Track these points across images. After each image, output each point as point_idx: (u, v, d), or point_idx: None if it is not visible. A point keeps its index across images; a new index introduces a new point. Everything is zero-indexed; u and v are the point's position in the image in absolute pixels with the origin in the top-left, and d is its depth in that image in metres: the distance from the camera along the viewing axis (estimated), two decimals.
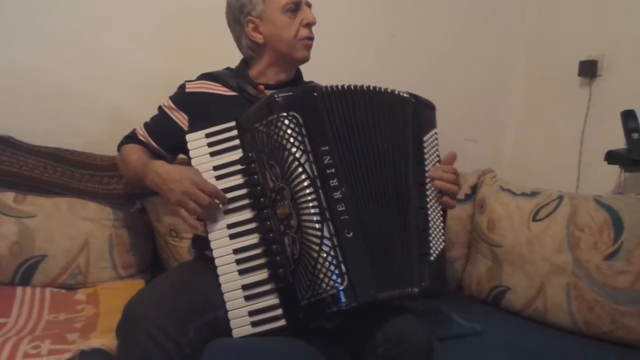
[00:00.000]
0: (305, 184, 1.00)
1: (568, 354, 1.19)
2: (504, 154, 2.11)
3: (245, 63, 1.31)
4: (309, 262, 0.98)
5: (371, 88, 1.12)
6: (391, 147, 1.09)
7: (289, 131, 1.01)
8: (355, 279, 0.97)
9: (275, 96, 1.04)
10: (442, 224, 1.12)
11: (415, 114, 1.14)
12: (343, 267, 0.97)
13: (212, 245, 1.05)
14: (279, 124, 1.02)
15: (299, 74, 1.34)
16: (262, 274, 1.03)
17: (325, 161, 1.02)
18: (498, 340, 1.20)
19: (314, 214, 0.99)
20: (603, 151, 1.50)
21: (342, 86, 1.10)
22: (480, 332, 1.22)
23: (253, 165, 1.05)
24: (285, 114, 1.02)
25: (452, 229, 1.55)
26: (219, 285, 1.03)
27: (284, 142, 1.01)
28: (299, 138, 1.01)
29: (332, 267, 0.97)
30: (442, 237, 1.10)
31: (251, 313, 1.01)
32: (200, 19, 1.68)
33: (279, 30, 1.23)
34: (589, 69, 1.70)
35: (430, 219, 1.09)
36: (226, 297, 1.02)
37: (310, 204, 0.99)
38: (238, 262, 1.03)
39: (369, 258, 1.00)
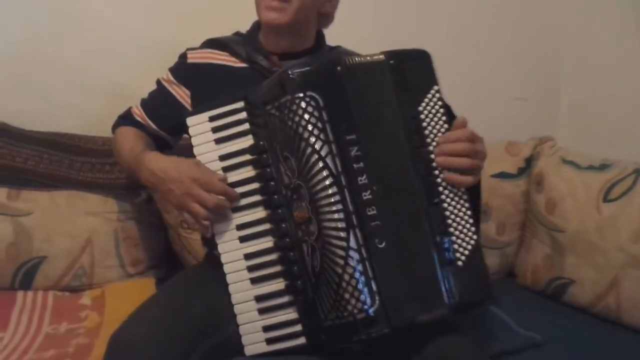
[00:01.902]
0: (327, 182, 0.81)
1: None
2: (560, 113, 1.82)
3: (259, 27, 1.09)
4: (332, 277, 0.81)
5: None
6: (391, 132, 0.87)
7: (307, 116, 0.82)
8: (388, 299, 0.80)
9: (290, 72, 0.84)
10: (468, 212, 0.87)
11: (399, 79, 0.88)
12: (374, 285, 0.80)
13: (220, 249, 0.89)
14: (294, 107, 0.82)
15: (319, 39, 1.11)
16: (278, 284, 0.87)
17: (352, 153, 0.82)
18: (561, 352, 1.01)
19: (338, 219, 0.81)
20: None
21: (371, 57, 0.88)
22: (540, 343, 1.03)
23: (265, 156, 0.87)
24: (301, 94, 0.82)
25: (502, 209, 1.35)
26: (228, 295, 0.88)
27: (300, 129, 0.82)
28: (319, 125, 0.81)
29: (359, 285, 0.80)
30: (472, 230, 0.87)
31: (266, 329, 0.87)
32: None
33: None
34: None
35: (449, 213, 0.86)
36: (237, 309, 0.88)
37: (333, 208, 0.81)
38: (250, 269, 0.88)
39: (404, 273, 0.82)
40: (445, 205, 0.86)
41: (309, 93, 0.82)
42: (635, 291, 1.10)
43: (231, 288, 0.88)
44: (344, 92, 0.84)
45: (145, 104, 1.12)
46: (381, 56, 0.89)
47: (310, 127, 0.82)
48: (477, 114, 1.73)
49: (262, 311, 0.87)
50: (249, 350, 0.87)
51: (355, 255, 0.80)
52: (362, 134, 0.84)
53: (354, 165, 0.82)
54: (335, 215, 0.81)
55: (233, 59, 1.07)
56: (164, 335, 0.82)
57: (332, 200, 0.81)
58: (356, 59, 0.88)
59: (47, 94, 1.42)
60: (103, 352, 0.85)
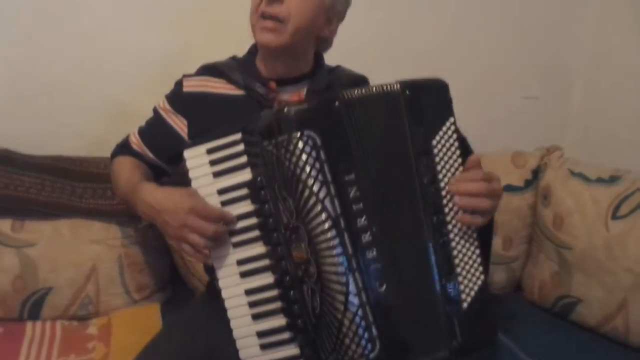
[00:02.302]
0: (326, 226, 0.79)
1: None
2: (571, 113, 1.77)
3: (255, 51, 1.07)
4: (332, 321, 0.80)
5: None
6: (397, 169, 0.85)
7: (304, 157, 0.80)
8: (389, 344, 0.79)
9: (286, 109, 0.82)
10: (476, 251, 0.85)
11: (414, 111, 0.85)
12: (374, 330, 0.79)
13: (221, 284, 0.88)
14: (291, 147, 0.80)
15: (318, 61, 1.08)
16: (280, 320, 0.86)
17: (351, 194, 0.80)
18: None
19: (337, 263, 0.80)
20: None
21: (365, 90, 0.85)
22: None
23: (263, 193, 0.85)
24: (298, 133, 0.80)
25: (509, 224, 1.32)
26: (230, 331, 0.87)
27: (298, 171, 0.80)
28: (317, 165, 0.80)
29: (360, 331, 0.79)
30: (480, 269, 0.85)
31: None
32: None
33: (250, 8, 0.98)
34: None
35: (458, 253, 0.84)
36: (239, 344, 0.87)
37: (333, 252, 0.79)
38: (251, 305, 0.86)
39: (406, 315, 0.81)
40: (453, 244, 0.84)
41: (306, 132, 0.80)
42: None
43: (233, 323, 0.87)
44: (342, 129, 0.82)
45: (142, 132, 1.11)
46: (397, 86, 0.85)
47: (307, 169, 0.80)
48: (484, 113, 1.74)
49: (264, 347, 0.86)
50: None
51: (355, 300, 0.79)
52: (363, 172, 0.81)
53: (353, 207, 0.80)
54: (335, 260, 0.79)
55: (230, 86, 1.05)
56: None
57: (331, 244, 0.79)
58: (356, 92, 0.84)
59: (48, 115, 1.41)
60: None
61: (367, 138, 0.84)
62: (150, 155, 1.08)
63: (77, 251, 1.21)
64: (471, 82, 1.71)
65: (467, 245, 0.85)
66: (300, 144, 0.80)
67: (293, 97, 1.04)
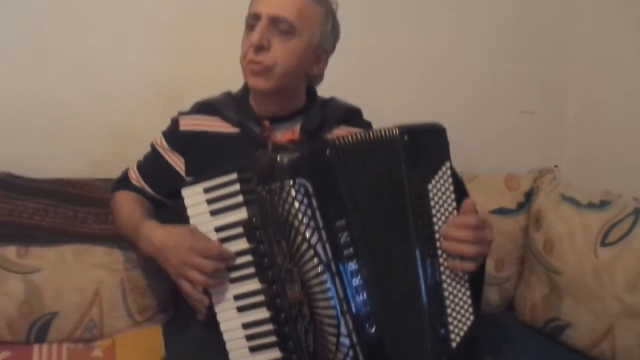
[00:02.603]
0: (318, 270, 0.83)
1: None
2: (567, 128, 1.79)
3: (249, 89, 1.09)
4: (325, 359, 0.85)
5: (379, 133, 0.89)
6: (393, 211, 0.89)
7: (296, 204, 0.83)
8: None
9: (278, 157, 0.85)
10: (467, 292, 0.90)
11: (411, 155, 0.89)
12: None
13: (219, 317, 0.93)
14: (284, 194, 0.84)
15: (310, 96, 1.12)
16: (276, 354, 0.90)
17: (342, 240, 0.84)
18: None
19: (329, 307, 0.83)
20: None
21: (358, 136, 0.88)
22: None
23: (258, 233, 0.89)
24: (290, 181, 0.83)
25: (501, 247, 1.35)
26: None
27: (291, 217, 0.84)
28: (308, 213, 0.83)
29: None
30: (470, 310, 0.89)
31: None
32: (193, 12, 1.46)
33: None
34: None
35: (447, 294, 0.88)
36: None
37: (325, 295, 0.84)
38: (248, 338, 0.91)
39: (394, 355, 0.85)
40: (445, 286, 0.88)
41: (297, 180, 0.84)
42: (630, 340, 1.11)
43: (231, 355, 0.92)
44: (333, 176, 0.85)
45: (141, 168, 1.14)
46: (395, 132, 0.89)
47: (300, 216, 0.83)
48: (481, 127, 1.76)
49: None
50: None
51: (346, 340, 0.84)
52: (354, 217, 0.85)
53: (344, 252, 0.84)
54: (327, 303, 0.84)
55: (224, 124, 1.09)
56: None
57: (323, 288, 0.83)
58: (350, 138, 0.88)
59: (49, 138, 1.46)
60: None
61: (361, 183, 0.87)
62: (150, 190, 1.12)
63: (80, 276, 1.24)
64: (468, 96, 1.75)
65: (459, 287, 0.89)
66: (293, 192, 0.83)
67: (286, 134, 1.07)
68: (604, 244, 1.17)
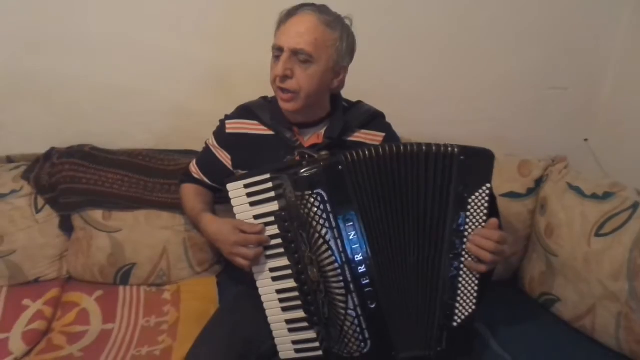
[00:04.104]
0: (330, 260, 1.07)
1: None
2: (599, 104, 1.83)
3: None
4: (337, 324, 1.10)
5: (401, 148, 1.07)
6: (424, 214, 1.08)
7: (315, 209, 1.05)
8: (376, 344, 1.09)
9: (300, 173, 1.06)
10: (475, 288, 1.10)
11: (463, 172, 1.06)
12: (366, 334, 1.08)
13: (258, 284, 1.18)
14: (304, 201, 1.06)
15: (335, 102, 1.29)
16: (302, 313, 1.16)
17: (351, 237, 1.06)
18: None
19: (339, 287, 1.07)
20: None
21: (369, 152, 1.07)
22: None
23: (287, 224, 1.12)
24: (309, 192, 1.05)
25: (510, 226, 1.50)
26: (266, 318, 1.18)
27: (310, 219, 1.06)
28: (324, 215, 1.05)
29: (356, 334, 1.09)
30: (474, 301, 1.10)
31: (294, 342, 1.17)
32: (240, 3, 1.61)
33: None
34: None
35: (461, 286, 1.09)
36: (273, 327, 1.18)
37: (335, 279, 1.07)
38: (281, 300, 1.17)
39: (390, 325, 1.09)
40: (460, 279, 1.09)
41: (316, 191, 1.05)
42: (608, 319, 1.27)
43: (268, 313, 1.18)
44: (344, 187, 1.06)
45: (199, 163, 1.40)
46: (455, 149, 1.06)
47: (317, 218, 1.06)
48: (509, 103, 1.82)
49: (291, 330, 1.17)
50: (283, 355, 1.18)
51: (352, 313, 1.08)
52: (362, 217, 1.05)
53: (353, 246, 1.06)
54: (337, 285, 1.07)
55: (262, 127, 1.29)
56: (227, 350, 1.17)
57: (334, 273, 1.07)
58: (360, 152, 1.06)
59: (123, 116, 1.72)
60: (181, 355, 1.23)
61: (366, 191, 1.06)
62: (207, 181, 1.38)
63: (151, 236, 1.54)
64: (498, 71, 1.79)
65: (470, 282, 1.10)
66: (312, 200, 1.05)
67: (312, 139, 1.27)
68: (598, 234, 1.30)
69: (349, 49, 1.21)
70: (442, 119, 1.78)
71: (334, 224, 1.05)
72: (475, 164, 1.07)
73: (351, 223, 1.06)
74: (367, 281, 1.07)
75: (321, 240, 1.06)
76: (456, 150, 1.06)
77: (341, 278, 1.07)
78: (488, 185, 1.07)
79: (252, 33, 1.59)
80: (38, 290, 1.49)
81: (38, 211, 1.55)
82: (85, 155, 1.60)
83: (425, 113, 1.76)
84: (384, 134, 1.32)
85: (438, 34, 1.71)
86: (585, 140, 1.90)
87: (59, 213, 1.57)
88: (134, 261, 1.54)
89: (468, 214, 1.07)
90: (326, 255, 1.06)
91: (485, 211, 1.08)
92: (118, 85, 1.66)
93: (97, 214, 1.55)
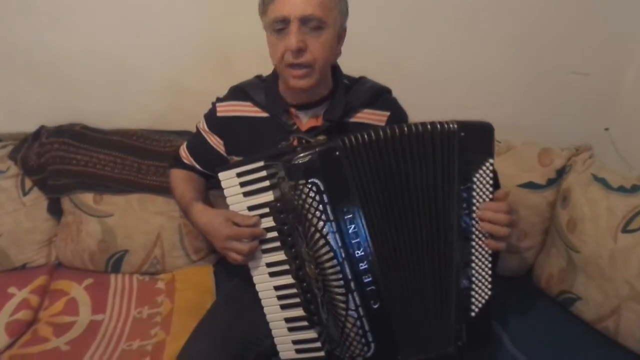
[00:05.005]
0: (328, 256, 0.96)
1: None
2: (622, 91, 1.70)
3: (276, 74, 1.17)
4: (337, 325, 1.00)
5: (405, 129, 0.97)
6: (429, 198, 0.98)
7: (309, 200, 0.95)
8: (380, 347, 0.99)
9: (293, 161, 0.95)
10: (489, 271, 1.01)
11: (464, 149, 0.97)
12: (369, 336, 0.98)
13: (255, 280, 1.09)
14: (298, 191, 0.95)
15: (336, 83, 1.17)
16: (301, 311, 1.06)
17: (350, 230, 0.96)
18: None
19: (338, 286, 0.97)
20: None
21: (369, 135, 0.96)
22: None
23: (282, 216, 1.02)
24: (303, 181, 0.94)
25: (526, 219, 1.41)
26: (264, 315, 1.09)
27: (305, 211, 0.96)
28: (320, 207, 0.94)
29: (358, 337, 0.99)
30: (489, 286, 1.01)
31: (295, 342, 1.08)
32: None
33: (270, 51, 1.08)
34: None
35: (474, 272, 0.99)
36: (272, 325, 1.10)
37: (334, 277, 0.97)
38: (279, 297, 1.08)
39: (396, 325, 0.99)
40: (475, 264, 0.99)
41: (310, 180, 0.94)
42: (634, 322, 1.17)
43: (266, 310, 1.09)
44: (342, 174, 0.95)
45: (190, 148, 1.29)
46: (454, 126, 0.97)
47: (312, 210, 0.94)
48: (527, 88, 1.70)
49: (291, 329, 1.08)
50: (283, 356, 1.09)
51: (353, 313, 0.97)
52: (363, 209, 0.95)
53: (352, 241, 0.95)
54: (335, 283, 0.96)
55: (255, 109, 1.19)
56: (222, 349, 1.09)
57: (332, 270, 0.96)
58: (359, 137, 0.95)
59: (117, 94, 1.62)
60: (174, 350, 1.15)
61: (372, 177, 0.96)
62: (198, 167, 1.28)
63: (145, 221, 1.46)
64: (516, 52, 1.67)
65: (483, 266, 1.01)
66: (306, 190, 0.94)
67: (310, 121, 1.16)
68: (625, 230, 1.20)
69: (346, 7, 1.10)
70: (453, 103, 1.65)
71: (331, 217, 0.94)
72: (475, 139, 0.98)
73: (351, 215, 0.95)
74: (370, 279, 0.96)
75: (318, 235, 0.95)
76: (455, 126, 0.96)
77: (341, 276, 0.96)
78: (491, 160, 0.99)
79: (255, 3, 1.52)
80: (25, 277, 1.41)
81: (25, 193, 1.48)
82: (76, 135, 1.51)
83: (435, 97, 1.64)
84: (388, 113, 1.20)
85: (451, 8, 1.59)
86: (606, 129, 1.78)
87: (47, 196, 1.49)
88: (126, 248, 1.45)
89: (474, 193, 0.98)
90: (324, 250, 0.95)
91: (490, 188, 1.00)
92: (112, 61, 1.56)
93: (88, 198, 1.46)
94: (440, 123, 0.98)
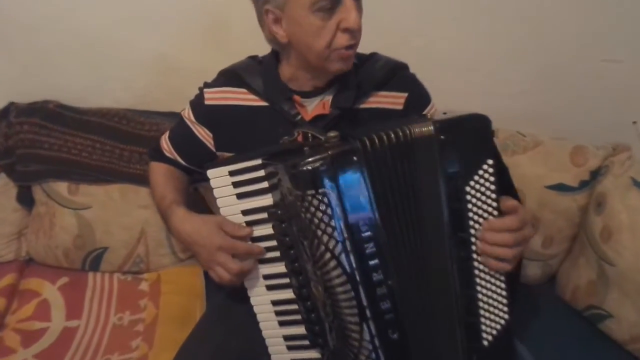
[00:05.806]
0: (340, 280, 0.81)
1: None
2: None
3: (277, 58, 1.00)
4: (349, 355, 0.86)
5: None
6: (429, 214, 0.82)
7: (319, 214, 0.79)
8: None
9: (299, 166, 0.78)
10: (503, 292, 0.85)
11: (447, 156, 0.80)
12: None
13: (249, 293, 0.96)
14: (306, 203, 0.79)
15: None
16: (303, 329, 0.94)
17: (367, 250, 0.80)
18: None
19: (351, 314, 0.83)
20: None
21: (396, 135, 0.80)
22: None
23: (283, 225, 0.87)
24: (312, 191, 0.78)
25: (553, 224, 1.27)
26: (260, 331, 0.97)
27: (313, 226, 0.80)
28: (332, 223, 0.79)
29: None
30: (504, 310, 0.86)
31: None
32: None
33: (306, 35, 0.88)
34: None
35: (481, 296, 0.84)
36: (268, 342, 0.98)
37: (347, 304, 0.82)
38: (277, 313, 0.95)
39: (416, 358, 0.85)
40: (479, 288, 0.84)
41: (321, 190, 0.78)
42: None
43: (262, 325, 0.97)
44: (359, 184, 0.79)
45: (172, 139, 1.12)
46: (430, 127, 0.80)
47: (322, 226, 0.79)
48: (554, 76, 1.55)
49: (290, 348, 0.96)
50: None
51: (368, 345, 0.83)
52: (379, 227, 0.80)
53: (369, 262, 0.81)
54: (349, 311, 0.82)
55: (251, 96, 1.01)
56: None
57: (345, 297, 0.82)
58: (383, 138, 0.80)
59: (94, 68, 1.44)
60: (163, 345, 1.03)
61: (392, 189, 0.81)
62: (181, 161, 1.11)
63: (127, 215, 1.30)
64: (543, 36, 1.50)
65: (494, 288, 0.85)
66: (315, 202, 0.78)
67: (317, 108, 0.99)
68: None
69: None
70: (474, 89, 1.51)
71: (345, 234, 0.78)
72: (465, 139, 0.80)
73: (368, 233, 0.79)
74: (388, 306, 0.81)
75: (328, 255, 0.80)
76: (431, 127, 0.79)
77: (354, 302, 0.81)
78: (490, 161, 0.80)
79: None
80: None
81: None
82: (49, 114, 1.33)
83: (456, 81, 1.48)
84: (406, 94, 1.02)
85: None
86: (634, 122, 1.64)
87: (16, 183, 1.32)
88: (105, 245, 1.29)
89: (470, 205, 0.81)
90: (335, 273, 0.80)
91: (493, 195, 0.81)
92: (92, 31, 1.37)
93: (62, 187, 1.29)
94: (415, 126, 0.80)
